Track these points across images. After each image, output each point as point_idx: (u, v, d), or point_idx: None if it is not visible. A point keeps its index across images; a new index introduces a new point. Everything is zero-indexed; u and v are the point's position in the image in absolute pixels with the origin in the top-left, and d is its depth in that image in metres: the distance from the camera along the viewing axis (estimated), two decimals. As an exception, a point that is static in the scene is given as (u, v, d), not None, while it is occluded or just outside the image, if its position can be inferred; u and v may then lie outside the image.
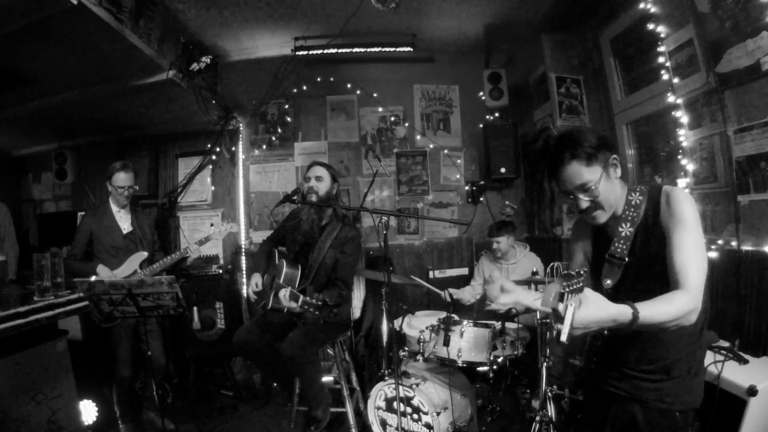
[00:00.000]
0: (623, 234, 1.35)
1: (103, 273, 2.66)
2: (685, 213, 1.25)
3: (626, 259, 1.34)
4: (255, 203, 4.22)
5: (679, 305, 1.12)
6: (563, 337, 0.95)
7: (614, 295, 1.34)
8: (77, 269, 2.66)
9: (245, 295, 3.96)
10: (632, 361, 1.37)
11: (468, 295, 3.38)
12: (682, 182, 2.66)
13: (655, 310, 1.08)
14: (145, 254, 2.86)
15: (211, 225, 3.03)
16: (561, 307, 0.97)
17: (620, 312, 1.03)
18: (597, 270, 1.43)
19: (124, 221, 2.89)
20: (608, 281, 1.35)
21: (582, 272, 1.00)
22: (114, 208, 2.88)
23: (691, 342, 1.32)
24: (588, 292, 1.02)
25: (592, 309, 1.00)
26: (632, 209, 1.35)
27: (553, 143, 1.32)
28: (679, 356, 1.31)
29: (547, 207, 3.69)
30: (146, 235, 2.94)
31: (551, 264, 1.14)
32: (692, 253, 1.21)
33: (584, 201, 1.31)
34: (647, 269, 1.31)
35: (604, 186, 1.29)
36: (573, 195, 1.31)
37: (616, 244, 1.36)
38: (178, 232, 4.14)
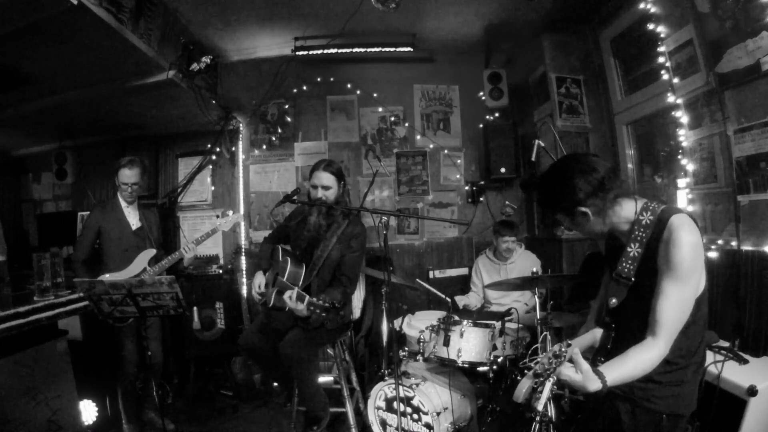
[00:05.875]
0: (631, 254, 1.32)
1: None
2: (679, 261, 1.21)
3: (632, 279, 1.32)
4: (255, 203, 4.21)
5: (644, 367, 1.21)
6: (539, 407, 1.13)
7: (618, 315, 1.36)
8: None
9: (245, 295, 3.96)
10: None
11: (474, 300, 3.40)
12: (682, 182, 2.66)
13: (621, 373, 1.19)
14: (153, 251, 2.84)
15: (217, 216, 2.98)
16: (534, 400, 1.17)
17: (594, 387, 1.15)
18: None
19: (133, 217, 2.88)
20: (614, 300, 1.34)
21: (564, 351, 1.14)
22: (123, 203, 2.86)
23: (686, 357, 1.31)
24: (577, 357, 1.15)
25: (579, 378, 1.14)
26: (642, 229, 1.31)
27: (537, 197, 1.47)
28: (671, 369, 1.30)
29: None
30: (153, 231, 2.93)
31: (543, 334, 1.19)
32: (673, 305, 1.21)
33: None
34: (651, 293, 1.27)
35: (572, 226, 1.40)
36: None
37: (623, 264, 1.33)
38: (178, 232, 4.14)
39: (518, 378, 1.15)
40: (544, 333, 1.24)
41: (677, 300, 1.21)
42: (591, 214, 1.32)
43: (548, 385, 1.09)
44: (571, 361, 1.17)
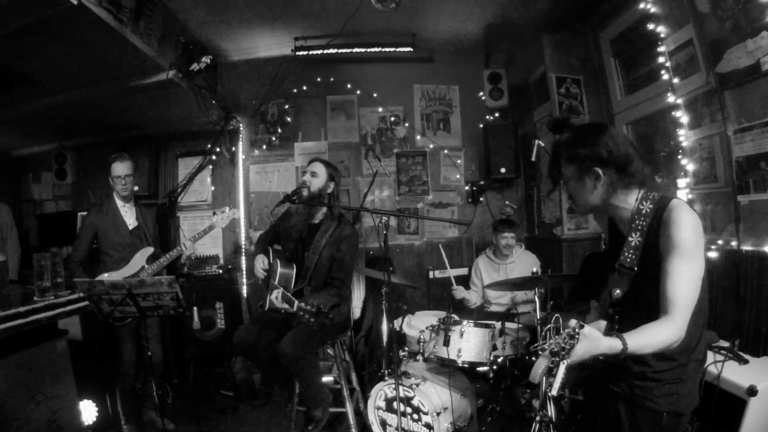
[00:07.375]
0: (633, 243, 1.32)
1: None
2: (682, 238, 1.21)
3: (635, 269, 1.32)
4: (255, 203, 4.21)
5: (663, 338, 1.18)
6: (553, 392, 1.07)
7: (622, 306, 1.34)
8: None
9: (245, 295, 3.97)
10: (635, 362, 1.37)
11: (475, 297, 3.41)
12: (682, 182, 2.66)
13: (642, 343, 1.16)
14: (151, 249, 2.84)
15: (214, 213, 2.96)
16: (550, 379, 1.08)
17: (611, 347, 1.13)
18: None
19: (130, 216, 2.88)
20: (617, 291, 1.33)
21: (577, 332, 1.09)
22: (119, 203, 2.86)
23: (685, 354, 1.31)
24: (587, 329, 1.11)
25: (587, 345, 1.10)
26: (642, 218, 1.32)
27: (559, 140, 1.45)
28: (670, 366, 1.30)
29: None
30: (150, 230, 2.93)
31: (555, 315, 1.18)
32: (683, 282, 1.20)
33: (565, 191, 1.47)
34: (655, 282, 1.27)
35: (574, 185, 1.41)
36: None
37: (625, 254, 1.33)
38: (178, 232, 4.14)
39: (533, 359, 1.13)
40: (555, 314, 1.21)
41: (685, 276, 1.21)
42: (600, 183, 1.34)
43: (563, 367, 1.06)
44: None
